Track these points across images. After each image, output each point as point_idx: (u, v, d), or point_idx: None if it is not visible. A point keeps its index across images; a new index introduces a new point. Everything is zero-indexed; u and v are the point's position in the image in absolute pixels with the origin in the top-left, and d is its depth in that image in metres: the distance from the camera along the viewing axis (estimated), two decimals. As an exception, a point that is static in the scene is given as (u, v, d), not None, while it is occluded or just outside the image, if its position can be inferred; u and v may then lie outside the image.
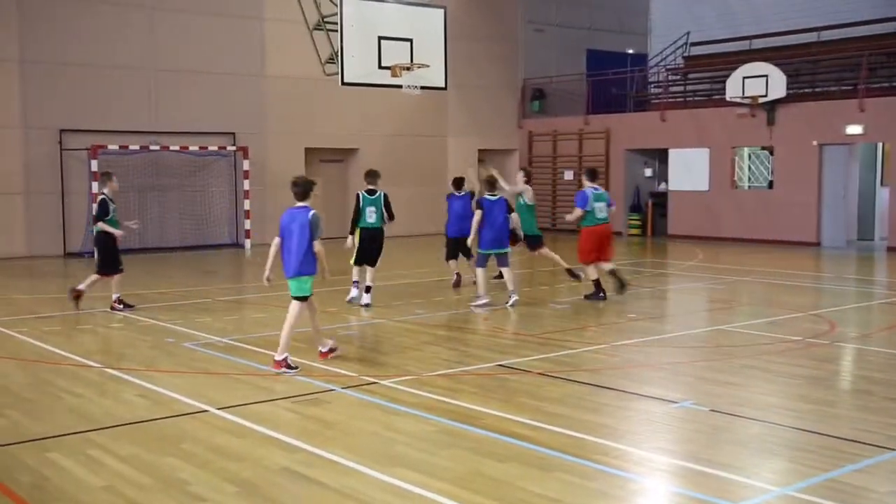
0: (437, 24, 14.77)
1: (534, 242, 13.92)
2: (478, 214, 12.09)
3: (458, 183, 14.23)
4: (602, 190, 12.84)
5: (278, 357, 8.34)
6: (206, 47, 21.46)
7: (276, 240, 8.50)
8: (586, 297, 12.67)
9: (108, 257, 11.95)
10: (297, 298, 8.47)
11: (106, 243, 11.96)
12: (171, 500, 5.14)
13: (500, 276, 13.13)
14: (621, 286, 12.64)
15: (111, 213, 11.84)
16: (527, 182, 14.12)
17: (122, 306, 11.96)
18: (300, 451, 5.97)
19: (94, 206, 11.96)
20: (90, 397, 7.48)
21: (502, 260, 12.28)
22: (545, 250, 14.08)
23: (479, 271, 12.24)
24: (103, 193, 11.95)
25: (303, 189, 8.45)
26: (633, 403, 7.32)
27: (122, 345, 10.06)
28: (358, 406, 7.16)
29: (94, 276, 11.95)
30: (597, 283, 12.68)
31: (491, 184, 12.28)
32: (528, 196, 13.94)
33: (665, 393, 7.55)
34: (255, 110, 22.31)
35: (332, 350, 8.81)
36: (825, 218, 21.31)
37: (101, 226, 11.82)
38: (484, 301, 12.08)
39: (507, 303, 12.03)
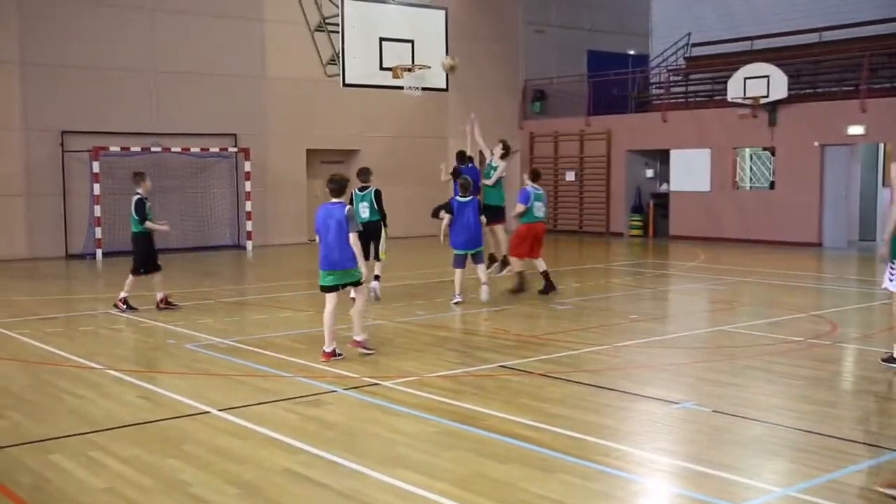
0: (439, 26, 14.78)
1: (494, 215, 13.85)
2: (447, 217, 12.25)
3: (462, 156, 14.39)
4: (542, 191, 13.18)
5: (358, 337, 9.01)
6: (206, 49, 21.47)
7: (317, 238, 8.92)
8: (511, 291, 12.99)
9: (148, 257, 12.12)
10: (355, 284, 8.86)
11: (145, 243, 12.10)
12: (173, 501, 5.14)
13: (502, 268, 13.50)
14: (550, 288, 13.06)
15: (148, 211, 11.97)
16: (504, 156, 14.17)
17: (125, 307, 12.00)
18: (302, 452, 5.97)
19: (131, 207, 12.01)
20: (92, 399, 7.48)
21: (477, 258, 12.45)
22: (499, 228, 14.14)
23: (458, 272, 12.38)
24: (138, 193, 12.00)
25: (339, 186, 8.79)
26: (634, 404, 7.32)
27: (123, 346, 10.07)
28: (359, 407, 7.16)
29: (157, 277, 12.17)
30: (520, 275, 13.08)
31: (465, 187, 12.34)
32: (500, 169, 14.10)
33: (667, 394, 7.54)
34: (256, 112, 22.32)
35: (335, 353, 8.83)
36: (826, 218, 21.29)
37: (149, 225, 11.99)
38: (458, 300, 12.32)
39: (481, 296, 12.27)
